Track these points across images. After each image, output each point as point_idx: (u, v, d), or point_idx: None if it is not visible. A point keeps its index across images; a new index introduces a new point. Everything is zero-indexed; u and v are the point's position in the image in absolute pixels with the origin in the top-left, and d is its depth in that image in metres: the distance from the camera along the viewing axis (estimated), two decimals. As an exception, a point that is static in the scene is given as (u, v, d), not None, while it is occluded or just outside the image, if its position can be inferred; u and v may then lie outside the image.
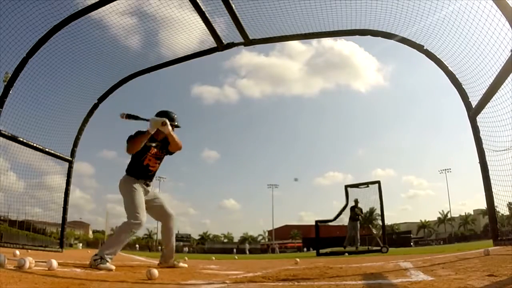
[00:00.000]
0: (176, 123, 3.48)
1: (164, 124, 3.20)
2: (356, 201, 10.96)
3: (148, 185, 3.48)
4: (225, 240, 67.77)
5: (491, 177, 4.71)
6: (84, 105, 6.82)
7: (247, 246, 44.44)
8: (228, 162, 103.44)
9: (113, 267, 2.95)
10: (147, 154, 3.41)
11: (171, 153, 3.61)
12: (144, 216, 3.25)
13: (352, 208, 11.01)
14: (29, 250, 6.09)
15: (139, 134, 3.25)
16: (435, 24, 4.67)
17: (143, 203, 3.30)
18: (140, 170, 3.42)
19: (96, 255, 3.01)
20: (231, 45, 5.63)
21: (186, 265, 3.75)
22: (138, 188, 3.35)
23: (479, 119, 4.89)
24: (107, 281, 2.15)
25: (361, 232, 11.77)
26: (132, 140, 3.25)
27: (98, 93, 6.75)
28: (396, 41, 5.24)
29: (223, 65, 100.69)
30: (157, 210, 3.58)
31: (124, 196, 3.33)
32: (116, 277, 2.41)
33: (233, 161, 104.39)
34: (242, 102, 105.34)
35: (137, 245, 47.84)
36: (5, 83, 5.29)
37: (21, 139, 5.73)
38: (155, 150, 3.46)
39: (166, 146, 3.51)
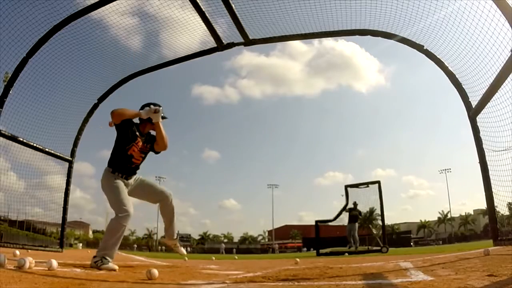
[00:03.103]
0: (162, 114, 3.43)
1: (156, 111, 3.26)
2: (354, 204, 10.97)
3: (127, 179, 3.34)
4: (225, 240, 67.76)
5: (491, 177, 4.71)
6: (84, 105, 6.82)
7: (222, 246, 45.18)
8: (229, 162, 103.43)
9: (116, 267, 2.93)
10: (133, 144, 3.31)
11: (156, 152, 3.51)
12: (131, 207, 3.15)
13: (350, 210, 11.04)
14: (29, 250, 6.09)
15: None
16: (435, 24, 4.68)
17: (126, 194, 3.22)
18: (122, 161, 3.29)
19: (95, 256, 2.96)
20: (231, 45, 5.63)
21: (185, 252, 3.74)
22: (118, 181, 3.24)
23: (479, 119, 4.89)
24: (107, 281, 2.15)
25: (361, 232, 11.79)
26: (121, 108, 3.24)
27: (98, 93, 6.76)
28: (396, 41, 5.24)
29: (223, 65, 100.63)
30: (149, 191, 3.48)
31: (106, 193, 3.22)
32: (116, 277, 2.41)
33: (233, 161, 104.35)
34: (243, 102, 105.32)
35: (135, 245, 47.91)
36: (5, 83, 5.29)
37: (21, 139, 5.74)
38: (141, 142, 3.38)
39: (151, 141, 3.46)
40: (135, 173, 3.44)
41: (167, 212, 3.52)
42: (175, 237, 3.65)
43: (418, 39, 5.13)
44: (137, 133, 3.36)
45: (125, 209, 3.09)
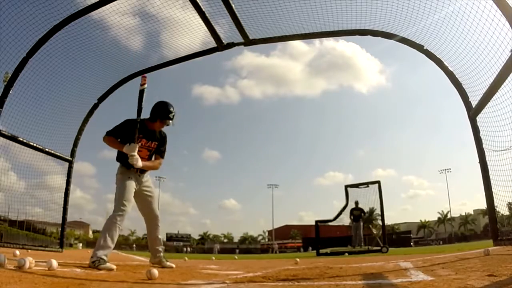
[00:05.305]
0: (169, 121, 3.46)
1: (131, 156, 3.21)
2: (356, 203, 11.03)
3: (141, 174, 3.44)
4: (225, 240, 67.74)
5: (491, 177, 4.71)
6: (84, 105, 6.82)
7: (216, 246, 45.61)
8: (229, 162, 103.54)
9: (114, 266, 2.93)
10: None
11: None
12: (129, 207, 3.24)
13: (352, 211, 11.08)
14: (29, 250, 6.09)
15: (116, 134, 3.34)
16: (435, 24, 4.67)
17: (131, 195, 3.28)
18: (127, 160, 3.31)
19: (92, 257, 2.97)
20: (231, 45, 5.63)
21: (173, 265, 3.64)
22: (130, 179, 3.31)
23: (479, 119, 4.89)
24: (107, 281, 2.15)
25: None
26: (110, 140, 3.35)
27: (98, 93, 6.75)
28: (396, 41, 5.24)
29: (224, 66, 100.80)
30: (146, 205, 3.54)
31: (116, 187, 3.31)
32: (116, 277, 2.41)
33: (233, 161, 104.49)
34: (243, 103, 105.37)
35: (134, 245, 47.94)
36: (5, 83, 5.29)
37: (21, 139, 5.73)
38: (145, 140, 3.43)
39: (160, 140, 3.55)
40: (145, 171, 3.49)
41: (153, 230, 3.57)
42: (161, 254, 3.61)
43: (418, 39, 5.13)
44: (140, 134, 3.35)
45: (122, 208, 3.16)
